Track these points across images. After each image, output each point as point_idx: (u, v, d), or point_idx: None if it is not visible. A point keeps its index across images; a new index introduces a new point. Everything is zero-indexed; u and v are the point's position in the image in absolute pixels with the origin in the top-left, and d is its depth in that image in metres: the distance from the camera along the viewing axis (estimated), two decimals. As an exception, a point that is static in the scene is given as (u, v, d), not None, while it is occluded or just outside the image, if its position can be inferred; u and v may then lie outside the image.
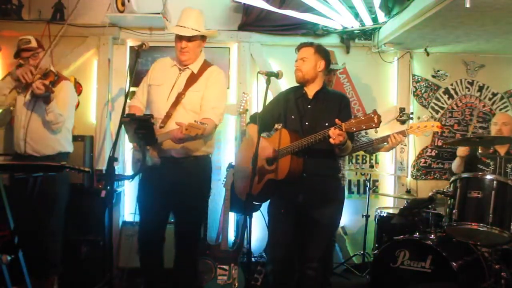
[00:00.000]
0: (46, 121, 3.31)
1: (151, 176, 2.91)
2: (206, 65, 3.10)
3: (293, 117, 2.84)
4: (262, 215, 4.01)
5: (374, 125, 2.37)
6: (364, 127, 2.41)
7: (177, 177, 2.99)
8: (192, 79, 3.01)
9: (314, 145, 2.63)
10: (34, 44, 3.39)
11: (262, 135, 2.99)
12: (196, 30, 2.96)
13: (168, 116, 2.93)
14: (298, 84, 2.91)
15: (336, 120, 2.49)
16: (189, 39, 2.96)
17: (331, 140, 2.48)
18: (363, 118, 2.41)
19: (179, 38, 2.96)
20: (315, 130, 2.63)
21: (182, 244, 3.15)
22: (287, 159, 2.73)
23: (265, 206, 4.13)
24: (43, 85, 3.13)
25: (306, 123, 2.77)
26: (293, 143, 2.70)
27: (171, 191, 3.02)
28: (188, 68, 3.04)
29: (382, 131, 4.55)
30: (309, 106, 2.83)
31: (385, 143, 3.31)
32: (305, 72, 2.81)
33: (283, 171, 2.73)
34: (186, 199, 3.04)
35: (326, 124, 2.62)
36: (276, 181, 2.78)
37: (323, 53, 2.84)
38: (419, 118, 4.57)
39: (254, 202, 3.53)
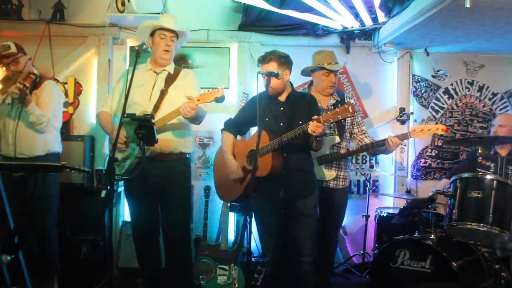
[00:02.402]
0: (31, 123, 3.33)
1: (137, 176, 2.92)
2: (177, 67, 3.30)
3: (267, 119, 2.98)
4: None
5: (349, 115, 2.60)
6: (340, 117, 2.63)
7: (163, 174, 3.09)
8: (171, 79, 3.19)
9: (292, 142, 2.81)
10: (13, 49, 3.39)
11: (237, 138, 3.20)
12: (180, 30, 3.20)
13: (156, 108, 3.09)
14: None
15: (314, 117, 2.69)
16: (172, 39, 3.16)
17: (310, 131, 2.67)
18: (338, 110, 2.63)
19: (163, 37, 3.14)
20: (290, 129, 2.82)
21: (172, 243, 3.19)
22: (268, 156, 2.88)
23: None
24: (17, 89, 3.17)
25: (281, 124, 2.95)
26: (273, 140, 2.86)
27: (159, 189, 3.11)
28: (164, 70, 3.20)
29: (383, 131, 4.57)
30: (282, 108, 2.99)
31: (384, 146, 3.28)
32: (276, 88, 2.95)
33: (266, 168, 2.87)
34: (173, 196, 3.15)
35: (300, 122, 2.80)
36: (259, 178, 2.88)
37: (286, 63, 2.96)
38: (423, 120, 4.59)
39: (237, 203, 3.66)
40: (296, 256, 2.92)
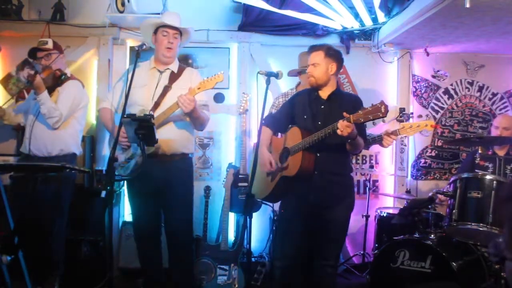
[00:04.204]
0: (42, 115, 3.30)
1: (139, 175, 2.92)
2: (182, 66, 3.27)
3: (305, 117, 2.87)
4: (272, 213, 3.99)
5: (381, 115, 2.38)
6: (371, 117, 2.41)
7: (166, 174, 3.09)
8: (175, 77, 3.16)
9: (325, 142, 2.65)
10: (50, 45, 3.44)
11: (277, 136, 3.08)
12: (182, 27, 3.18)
13: (156, 105, 3.07)
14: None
15: (344, 113, 2.49)
16: (175, 36, 3.14)
17: (338, 131, 2.49)
18: (370, 109, 2.41)
19: (165, 35, 3.13)
20: None
21: (175, 244, 3.19)
22: (298, 155, 2.76)
23: (264, 207, 4.14)
24: (27, 73, 3.16)
25: (319, 123, 2.79)
26: (305, 139, 2.73)
27: (161, 189, 3.10)
28: (168, 68, 3.19)
29: (381, 131, 4.56)
30: (322, 107, 2.85)
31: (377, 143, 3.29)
32: (317, 78, 2.83)
33: (295, 168, 2.76)
34: (176, 196, 3.14)
35: None
36: (288, 178, 2.80)
37: (334, 56, 2.84)
38: (420, 116, 4.60)
39: (267, 202, 3.56)
40: (317, 259, 2.84)
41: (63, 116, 3.32)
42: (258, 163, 2.89)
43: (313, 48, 2.88)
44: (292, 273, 2.92)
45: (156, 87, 3.12)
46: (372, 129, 4.49)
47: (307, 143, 2.71)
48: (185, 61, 4.48)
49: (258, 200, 3.47)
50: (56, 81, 3.40)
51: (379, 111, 2.37)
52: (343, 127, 2.46)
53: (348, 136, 2.50)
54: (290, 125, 2.95)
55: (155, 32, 3.17)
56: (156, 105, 3.06)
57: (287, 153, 2.87)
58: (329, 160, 2.78)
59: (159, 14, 4.23)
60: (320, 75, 2.81)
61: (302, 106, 2.90)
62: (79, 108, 3.50)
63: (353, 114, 2.46)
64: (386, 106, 2.38)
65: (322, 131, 2.63)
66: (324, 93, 2.87)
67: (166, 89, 3.10)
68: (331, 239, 2.83)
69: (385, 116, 2.42)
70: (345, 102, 2.83)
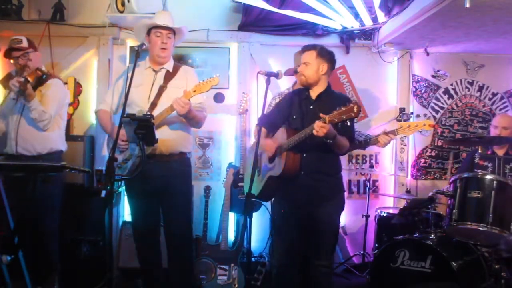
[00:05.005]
0: (32, 119, 3.30)
1: (138, 176, 2.91)
2: (177, 64, 3.26)
3: (295, 117, 2.89)
4: (267, 210, 4.00)
5: (353, 115, 2.41)
6: (344, 117, 2.44)
7: (164, 174, 3.08)
8: (170, 76, 3.16)
9: (312, 142, 2.67)
10: (25, 44, 3.40)
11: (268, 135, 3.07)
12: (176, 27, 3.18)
13: (153, 106, 3.06)
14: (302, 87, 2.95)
15: (320, 114, 2.52)
16: (168, 36, 3.13)
17: (314, 132, 2.52)
18: (343, 109, 2.45)
19: (158, 35, 3.12)
20: None
21: (174, 244, 3.19)
22: (283, 155, 2.79)
23: (264, 207, 4.14)
24: (17, 82, 3.15)
25: (307, 123, 2.79)
26: (288, 139, 2.76)
27: (160, 189, 3.10)
28: (163, 68, 3.18)
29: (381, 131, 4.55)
30: (311, 107, 2.86)
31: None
32: (307, 77, 2.85)
33: (280, 168, 2.79)
34: (175, 196, 3.14)
35: None
36: (275, 177, 2.82)
37: (326, 56, 2.86)
38: (418, 116, 4.60)
39: (257, 200, 3.58)
40: (311, 259, 2.87)
41: (52, 117, 3.34)
42: (256, 158, 2.90)
43: (306, 48, 2.91)
44: (288, 271, 2.94)
45: (152, 87, 3.12)
46: (372, 130, 4.50)
47: (290, 144, 2.74)
48: (184, 61, 4.48)
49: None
50: (38, 80, 3.38)
51: (352, 111, 2.41)
52: (318, 127, 2.50)
53: (324, 136, 2.53)
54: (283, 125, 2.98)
55: (148, 33, 3.17)
56: (153, 105, 3.07)
57: (275, 153, 2.88)
58: (316, 160, 2.79)
59: (159, 14, 4.24)
60: (311, 74, 2.84)
61: (292, 106, 2.93)
62: (63, 105, 3.51)
63: (329, 115, 2.49)
64: (358, 107, 2.41)
65: (302, 132, 2.66)
66: (314, 93, 2.89)
67: (161, 89, 3.10)
68: (322, 239, 2.85)
69: (357, 117, 2.46)
70: (335, 102, 2.80)
